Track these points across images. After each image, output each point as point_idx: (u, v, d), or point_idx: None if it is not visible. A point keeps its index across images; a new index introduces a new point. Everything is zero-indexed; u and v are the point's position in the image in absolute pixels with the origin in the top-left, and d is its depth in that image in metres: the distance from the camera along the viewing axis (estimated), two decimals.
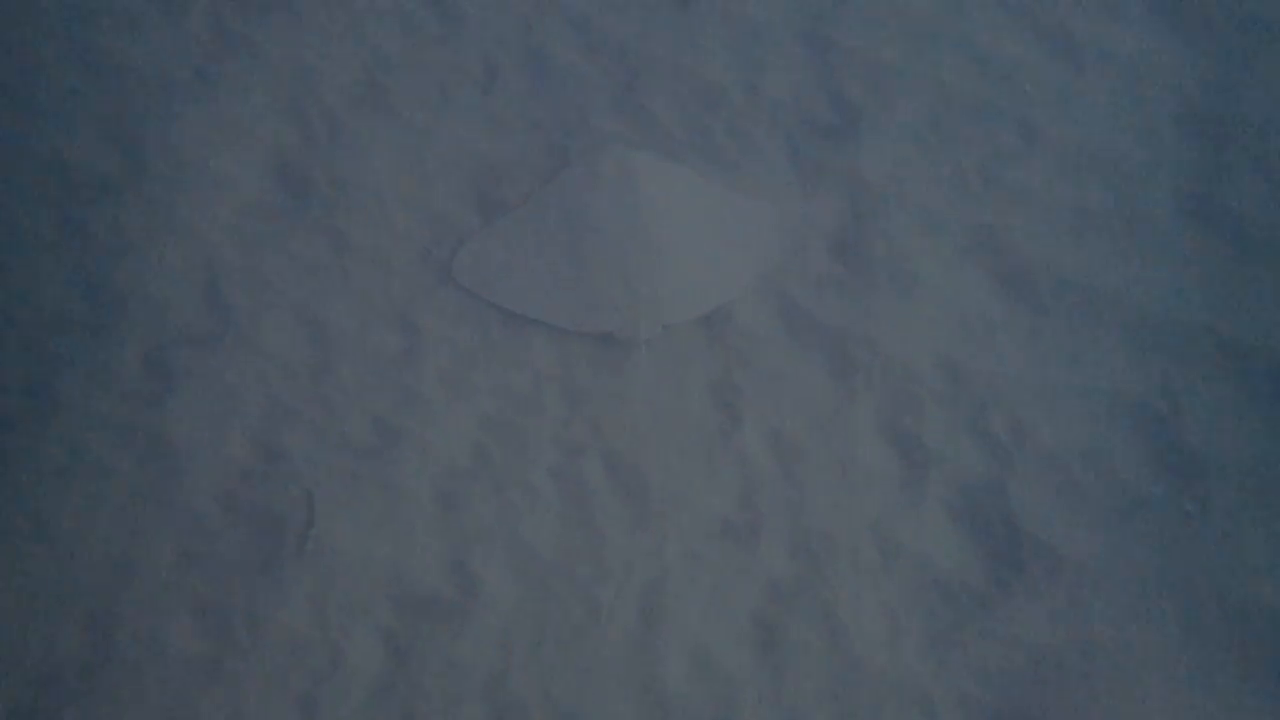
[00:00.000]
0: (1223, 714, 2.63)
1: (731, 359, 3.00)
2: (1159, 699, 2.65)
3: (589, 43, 3.39)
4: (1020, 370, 3.00)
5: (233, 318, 2.99)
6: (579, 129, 3.26)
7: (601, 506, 2.83)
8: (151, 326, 2.97)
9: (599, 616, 2.71)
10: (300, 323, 3.00)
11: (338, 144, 3.23)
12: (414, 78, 3.32)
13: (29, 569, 2.71)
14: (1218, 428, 2.91)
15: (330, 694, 2.62)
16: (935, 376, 2.99)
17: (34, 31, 3.33)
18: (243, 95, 3.25)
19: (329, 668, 2.64)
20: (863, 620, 2.72)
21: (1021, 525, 2.81)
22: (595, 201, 3.06)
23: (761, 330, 3.04)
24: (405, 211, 3.15)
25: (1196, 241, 3.14)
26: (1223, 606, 2.72)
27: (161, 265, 3.05)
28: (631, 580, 2.74)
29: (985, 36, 3.41)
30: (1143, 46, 3.38)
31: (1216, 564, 2.76)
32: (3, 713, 2.55)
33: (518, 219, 3.15)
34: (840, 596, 2.74)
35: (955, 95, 3.33)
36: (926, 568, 2.78)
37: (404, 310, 3.03)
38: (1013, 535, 2.81)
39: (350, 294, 3.05)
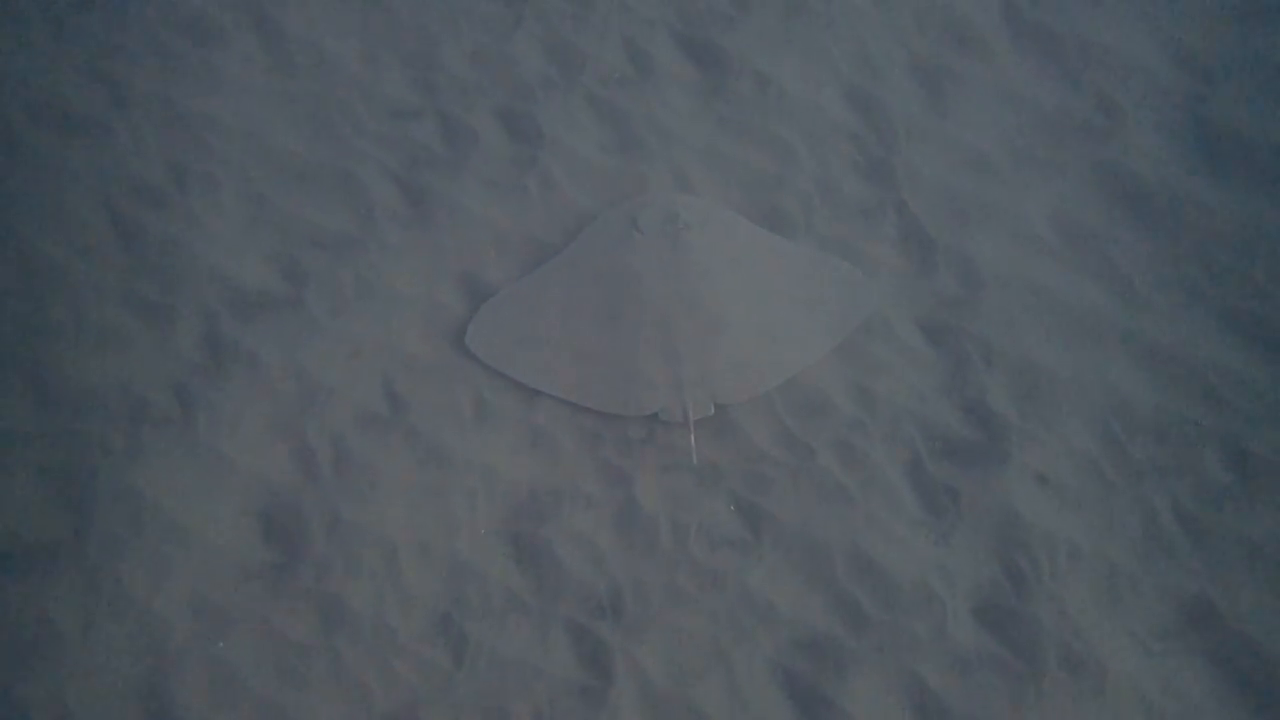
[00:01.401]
0: None
1: None
2: None
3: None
4: None
5: None
6: (639, 446, 2.58)
7: None
8: None
9: None
10: None
11: (343, 479, 2.56)
12: (440, 386, 2.68)
13: None
14: None
15: None
16: None
17: None
18: (230, 421, 2.63)
19: None
20: None
21: None
22: (636, 255, 2.66)
23: None
24: (419, 564, 2.45)
25: None
26: None
27: (92, 664, 2.35)
28: None
29: (1165, 335, 2.68)
30: None
31: None
32: None
33: (545, 278, 2.72)
34: None
35: (1133, 407, 2.58)
36: None
37: (409, 709, 2.28)
38: None
39: (340, 689, 2.31)
